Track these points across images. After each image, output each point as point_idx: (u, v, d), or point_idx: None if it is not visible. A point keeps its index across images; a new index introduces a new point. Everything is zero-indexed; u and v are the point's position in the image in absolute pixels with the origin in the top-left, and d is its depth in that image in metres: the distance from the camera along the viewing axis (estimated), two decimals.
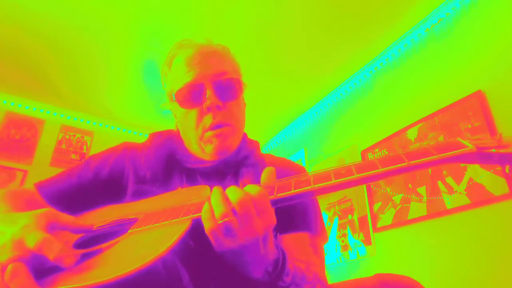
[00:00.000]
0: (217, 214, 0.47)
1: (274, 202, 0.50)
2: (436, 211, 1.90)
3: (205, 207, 0.49)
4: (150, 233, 0.52)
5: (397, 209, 2.15)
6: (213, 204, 0.48)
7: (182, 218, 0.52)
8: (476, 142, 0.45)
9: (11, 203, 0.68)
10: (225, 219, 0.46)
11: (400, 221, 2.11)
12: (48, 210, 0.53)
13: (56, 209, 0.55)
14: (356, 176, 0.47)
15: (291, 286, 0.55)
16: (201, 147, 0.76)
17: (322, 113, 3.09)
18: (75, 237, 0.60)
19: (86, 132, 3.36)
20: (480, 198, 1.71)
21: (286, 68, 2.70)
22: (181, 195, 0.62)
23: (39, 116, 3.17)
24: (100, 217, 0.66)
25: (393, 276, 0.63)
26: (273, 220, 0.50)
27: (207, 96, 0.74)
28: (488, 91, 1.81)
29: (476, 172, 1.76)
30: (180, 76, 0.77)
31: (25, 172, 2.94)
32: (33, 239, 0.46)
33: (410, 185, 2.10)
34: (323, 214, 2.74)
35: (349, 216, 2.52)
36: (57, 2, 2.14)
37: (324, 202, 2.75)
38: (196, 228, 0.50)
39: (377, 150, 2.43)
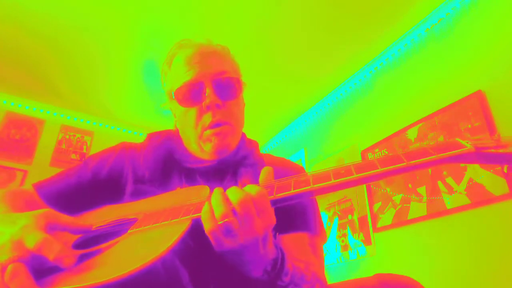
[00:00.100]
0: (217, 214, 0.47)
1: (274, 202, 0.50)
2: (436, 211, 1.90)
3: (205, 207, 0.49)
4: (150, 233, 0.52)
5: (397, 209, 2.15)
6: (213, 204, 0.48)
7: (181, 218, 0.52)
8: (475, 142, 0.45)
9: (9, 204, 0.68)
10: (225, 220, 0.46)
11: (400, 221, 2.11)
12: (47, 211, 0.53)
13: (55, 209, 0.55)
14: (355, 176, 0.47)
15: (290, 286, 0.56)
16: (200, 146, 0.76)
17: (322, 113, 3.09)
18: (74, 237, 0.60)
19: (86, 132, 3.36)
20: (480, 198, 1.71)
21: (286, 68, 2.70)
22: (181, 195, 0.62)
23: (39, 116, 3.17)
24: (99, 217, 0.66)
25: (393, 276, 0.62)
26: (273, 220, 0.50)
27: (206, 94, 0.74)
28: (488, 91, 1.81)
29: (476, 172, 1.76)
30: (180, 75, 0.77)
31: (25, 172, 2.94)
32: (32, 240, 0.46)
33: (410, 185, 2.10)
34: (323, 214, 2.74)
35: (349, 216, 2.52)
36: (57, 2, 2.14)
37: (324, 202, 2.75)
38: (196, 228, 0.50)
39: (377, 150, 2.43)
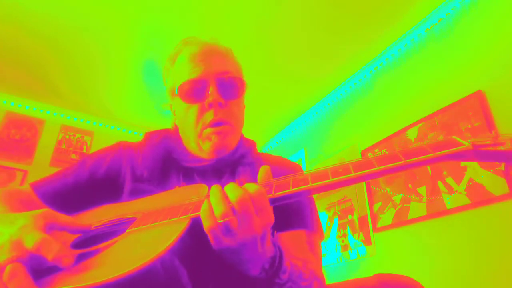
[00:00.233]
0: (217, 213, 0.47)
1: (272, 201, 0.50)
2: (436, 211, 1.90)
3: (204, 205, 0.49)
4: (149, 232, 0.52)
5: (397, 209, 2.15)
6: (213, 203, 0.48)
7: (180, 217, 0.52)
8: (472, 140, 0.45)
9: (6, 203, 0.68)
10: (226, 219, 0.46)
11: (400, 221, 2.10)
12: (46, 211, 0.53)
13: (52, 208, 0.55)
14: (353, 174, 0.47)
15: (288, 284, 0.56)
16: (199, 144, 0.76)
17: (322, 113, 3.09)
18: (73, 237, 0.60)
19: (86, 132, 3.36)
20: (480, 198, 1.71)
21: (286, 68, 2.70)
22: (179, 194, 0.62)
23: (39, 116, 3.17)
24: (97, 216, 0.65)
25: (393, 276, 0.62)
26: (272, 218, 0.50)
27: (210, 92, 0.74)
28: (488, 91, 1.81)
29: (476, 172, 1.76)
30: (185, 71, 0.77)
31: (25, 172, 2.94)
32: (31, 240, 0.46)
33: (410, 185, 2.10)
34: (323, 214, 2.74)
35: (349, 216, 2.51)
36: (57, 2, 2.14)
37: (324, 202, 2.75)
38: (195, 227, 0.50)
39: (377, 150, 2.42)
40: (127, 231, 0.55)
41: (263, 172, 0.54)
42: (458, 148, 0.45)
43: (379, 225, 2.25)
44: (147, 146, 0.80)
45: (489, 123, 1.75)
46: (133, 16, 2.24)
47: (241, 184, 0.51)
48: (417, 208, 2.01)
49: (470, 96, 1.88)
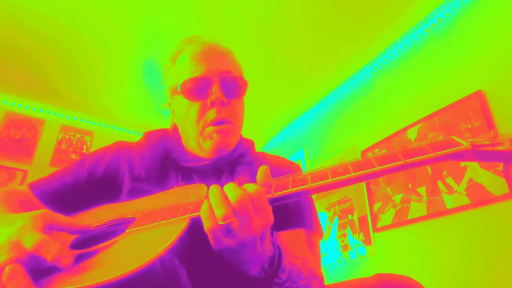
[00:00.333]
0: (218, 214, 0.47)
1: (272, 201, 0.50)
2: (436, 211, 1.90)
3: (204, 205, 0.49)
4: (148, 232, 0.52)
5: (397, 209, 2.15)
6: (213, 204, 0.48)
7: (179, 217, 0.52)
8: (471, 140, 0.45)
9: (5, 204, 0.68)
10: (227, 221, 0.46)
11: (400, 221, 2.10)
12: (44, 212, 0.52)
13: (50, 208, 0.54)
14: (352, 174, 0.47)
15: (287, 283, 0.56)
16: (199, 143, 0.76)
17: (322, 113, 3.09)
18: (72, 237, 0.60)
19: (86, 132, 3.36)
20: (480, 198, 1.71)
21: (286, 68, 2.70)
22: (178, 194, 0.62)
23: (39, 116, 3.17)
24: (96, 216, 0.65)
25: (393, 276, 0.62)
26: (271, 218, 0.50)
27: (213, 90, 0.74)
28: (488, 91, 1.81)
29: (476, 172, 1.76)
30: (187, 69, 0.77)
31: (25, 172, 2.94)
32: (30, 240, 0.46)
33: (410, 185, 2.10)
34: (323, 214, 2.74)
35: (349, 216, 2.51)
36: (57, 2, 2.14)
37: (324, 202, 2.75)
38: (194, 227, 0.50)
39: (377, 150, 2.42)
40: (126, 231, 0.54)
41: (262, 171, 0.54)
42: (457, 148, 0.45)
43: (379, 225, 2.25)
44: (145, 145, 0.80)
45: (489, 123, 1.75)
46: (133, 16, 2.24)
47: (240, 184, 0.51)
48: (417, 208, 2.01)
49: (470, 96, 1.88)
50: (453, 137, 0.47)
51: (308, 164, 3.12)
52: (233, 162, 0.78)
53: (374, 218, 2.30)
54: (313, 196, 0.79)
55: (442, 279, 1.79)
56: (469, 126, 1.84)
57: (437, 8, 2.16)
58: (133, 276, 0.42)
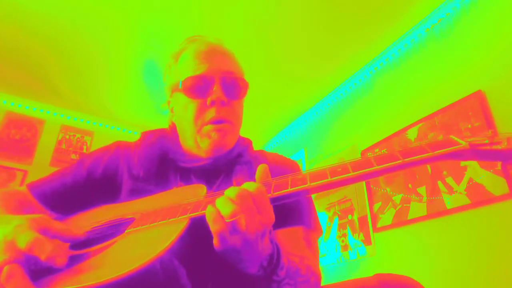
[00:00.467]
0: (225, 213, 0.47)
1: (271, 201, 0.50)
2: (436, 211, 1.90)
3: (209, 209, 0.49)
4: (148, 232, 0.52)
5: (397, 209, 2.15)
6: (219, 205, 0.48)
7: (179, 218, 0.52)
8: (470, 139, 0.45)
9: (3, 204, 0.68)
10: (235, 218, 0.46)
11: (400, 221, 2.10)
12: (41, 216, 0.52)
13: (49, 209, 0.54)
14: (351, 174, 0.48)
15: (285, 280, 0.56)
16: (196, 141, 0.76)
17: (322, 113, 3.09)
18: None
19: (86, 132, 3.36)
20: (480, 198, 1.71)
21: (286, 68, 2.70)
22: (177, 195, 0.62)
23: (39, 116, 3.17)
24: (95, 217, 0.65)
25: (393, 276, 0.62)
26: (272, 217, 0.50)
27: (214, 89, 0.74)
28: (488, 91, 1.81)
29: (476, 172, 1.75)
30: (189, 67, 0.78)
31: (25, 172, 2.94)
32: (24, 240, 0.45)
33: (410, 185, 2.10)
34: (323, 214, 2.74)
35: (349, 216, 2.51)
36: (57, 2, 2.14)
37: (324, 202, 2.75)
38: (194, 227, 0.50)
39: (377, 150, 2.42)
40: (126, 231, 0.54)
41: (261, 170, 0.54)
42: (455, 147, 0.45)
43: (379, 225, 2.25)
44: (143, 145, 0.80)
45: (489, 123, 1.75)
46: (133, 16, 2.24)
47: (238, 183, 0.51)
48: (417, 208, 2.01)
49: (470, 96, 1.88)
50: (451, 136, 0.47)
51: (308, 164, 3.12)
52: (231, 162, 0.78)
53: (374, 218, 2.30)
54: (313, 196, 0.79)
55: (442, 279, 1.79)
56: (469, 126, 1.84)
57: (437, 8, 2.16)
58: (133, 276, 0.42)
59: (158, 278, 0.53)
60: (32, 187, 0.76)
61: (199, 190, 0.60)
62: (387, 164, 0.47)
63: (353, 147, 2.66)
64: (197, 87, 0.76)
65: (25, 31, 2.36)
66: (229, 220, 0.46)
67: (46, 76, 2.82)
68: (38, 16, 2.24)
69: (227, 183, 0.75)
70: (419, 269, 1.93)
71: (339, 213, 2.61)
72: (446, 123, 1.98)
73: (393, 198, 2.19)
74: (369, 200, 2.38)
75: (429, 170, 2.01)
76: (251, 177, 0.55)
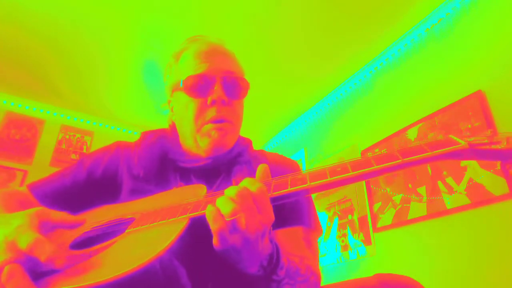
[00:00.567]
0: (225, 212, 0.47)
1: (271, 200, 0.50)
2: (436, 211, 1.90)
3: (209, 208, 0.49)
4: (148, 232, 0.52)
5: (397, 209, 2.15)
6: (219, 204, 0.48)
7: (179, 217, 0.52)
8: (469, 139, 0.45)
9: (4, 204, 0.68)
10: (235, 216, 0.46)
11: (400, 221, 2.10)
12: (39, 209, 0.52)
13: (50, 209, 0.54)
14: (351, 173, 0.48)
15: (284, 280, 0.56)
16: (196, 140, 0.76)
17: (322, 113, 3.09)
18: (72, 237, 0.60)
19: (86, 132, 3.36)
20: (480, 198, 1.71)
21: (286, 68, 2.70)
22: (177, 195, 0.62)
23: (39, 116, 3.17)
24: (96, 217, 0.65)
25: (393, 276, 0.62)
26: (272, 216, 0.50)
27: (215, 89, 0.75)
28: (488, 91, 1.81)
29: (476, 172, 1.75)
30: (190, 66, 0.78)
31: (25, 172, 2.94)
32: (25, 241, 0.45)
33: (410, 185, 2.10)
34: (323, 214, 2.74)
35: (349, 216, 2.51)
36: (57, 2, 2.14)
37: (324, 202, 2.75)
38: (193, 227, 0.50)
39: (377, 150, 2.42)
40: (126, 231, 0.54)
41: (261, 170, 0.54)
42: (454, 147, 0.46)
43: (379, 225, 2.25)
44: (143, 145, 0.80)
45: (489, 123, 1.75)
46: (133, 16, 2.24)
47: (238, 183, 0.51)
48: (417, 208, 2.01)
49: (470, 96, 1.88)
50: (451, 136, 0.47)
51: (308, 164, 3.12)
52: (230, 162, 0.78)
53: (374, 218, 2.30)
54: (313, 196, 0.79)
55: (442, 279, 1.79)
56: (469, 126, 1.84)
57: (437, 8, 2.16)
58: (133, 276, 0.42)
59: (157, 278, 0.53)
60: (32, 187, 0.76)
61: (199, 190, 0.60)
62: (386, 164, 0.47)
63: (353, 147, 2.66)
64: (198, 86, 0.76)
65: (25, 31, 2.36)
66: (229, 219, 0.46)
67: (46, 76, 2.82)
68: (38, 16, 2.24)
69: (227, 183, 0.75)
70: (419, 269, 1.93)
71: (339, 213, 2.61)
72: (446, 123, 1.98)
73: (393, 198, 2.19)
74: (369, 200, 2.38)
75: (429, 170, 2.01)
76: (251, 177, 0.55)
